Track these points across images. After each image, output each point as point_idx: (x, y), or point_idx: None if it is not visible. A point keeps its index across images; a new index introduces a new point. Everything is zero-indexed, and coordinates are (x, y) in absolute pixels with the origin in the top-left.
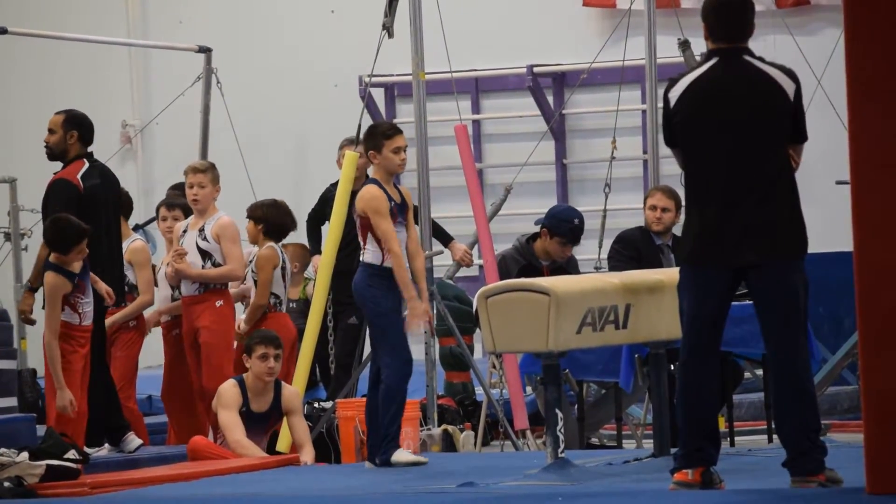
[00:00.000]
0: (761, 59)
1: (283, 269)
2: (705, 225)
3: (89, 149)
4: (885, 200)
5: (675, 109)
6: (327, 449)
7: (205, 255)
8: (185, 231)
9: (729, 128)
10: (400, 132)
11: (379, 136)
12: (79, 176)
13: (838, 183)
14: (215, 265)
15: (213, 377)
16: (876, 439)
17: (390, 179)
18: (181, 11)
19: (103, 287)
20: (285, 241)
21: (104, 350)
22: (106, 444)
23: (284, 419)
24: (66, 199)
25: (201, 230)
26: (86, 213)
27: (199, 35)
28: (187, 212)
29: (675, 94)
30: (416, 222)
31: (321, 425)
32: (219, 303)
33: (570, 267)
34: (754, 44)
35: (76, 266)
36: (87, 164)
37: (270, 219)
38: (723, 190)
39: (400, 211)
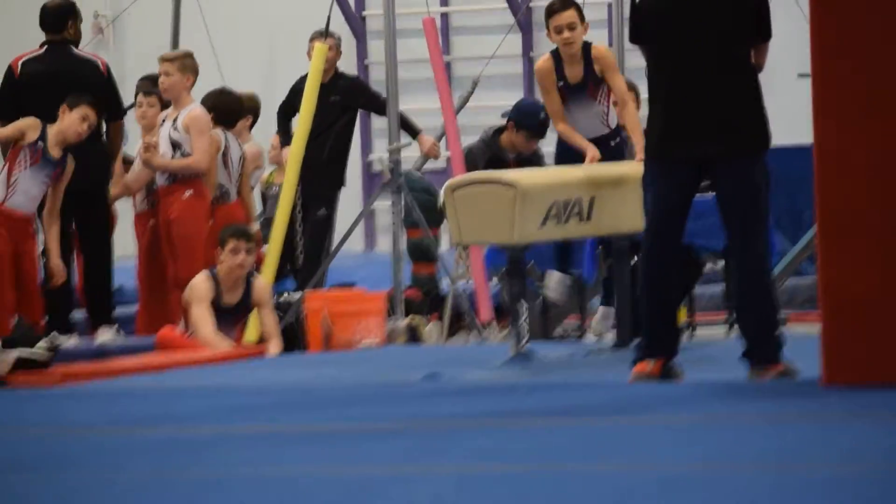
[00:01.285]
0: None
1: (226, 154)
2: (669, 119)
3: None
4: (844, 93)
5: (641, 4)
6: (295, 340)
7: (175, 145)
8: (164, 121)
9: (694, 24)
10: (557, 10)
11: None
12: (21, 61)
13: (800, 76)
14: (184, 156)
15: (187, 268)
16: (831, 331)
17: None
18: None
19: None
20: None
21: (105, 230)
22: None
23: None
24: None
25: (174, 120)
26: (21, 97)
27: None
28: (165, 101)
29: None
30: (382, 114)
31: (289, 317)
32: (187, 193)
33: (536, 160)
34: None
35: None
36: (41, 50)
37: (218, 106)
38: (686, 85)
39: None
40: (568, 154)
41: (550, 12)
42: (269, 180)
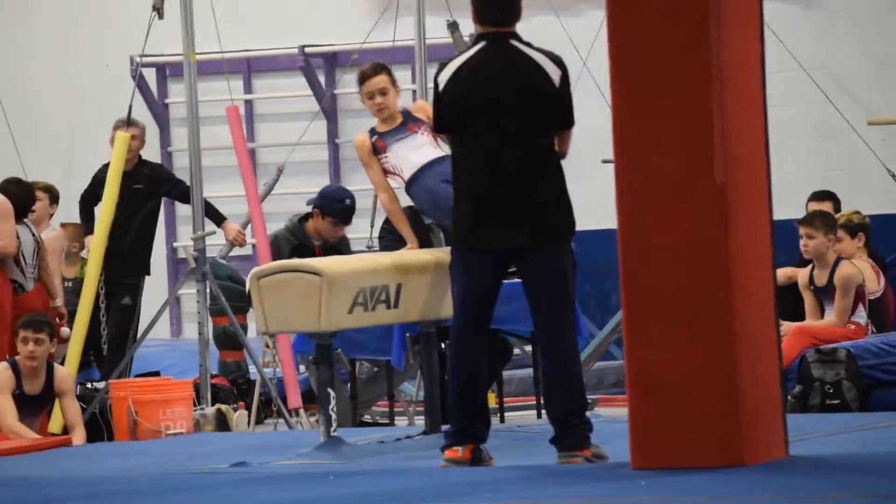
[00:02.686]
0: (528, 45)
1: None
2: (474, 208)
3: None
4: (646, 180)
5: (444, 93)
6: (100, 429)
7: None
8: None
9: (495, 112)
10: (369, 76)
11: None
12: None
13: (604, 161)
14: None
15: None
16: (639, 414)
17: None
18: None
19: None
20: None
21: None
22: None
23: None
24: None
25: None
26: None
27: None
28: None
29: (443, 79)
30: (187, 201)
31: (94, 406)
32: None
33: (342, 247)
34: (521, 24)
35: None
36: None
37: (11, 197)
38: (491, 174)
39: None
40: (393, 234)
41: (362, 79)
42: (79, 274)
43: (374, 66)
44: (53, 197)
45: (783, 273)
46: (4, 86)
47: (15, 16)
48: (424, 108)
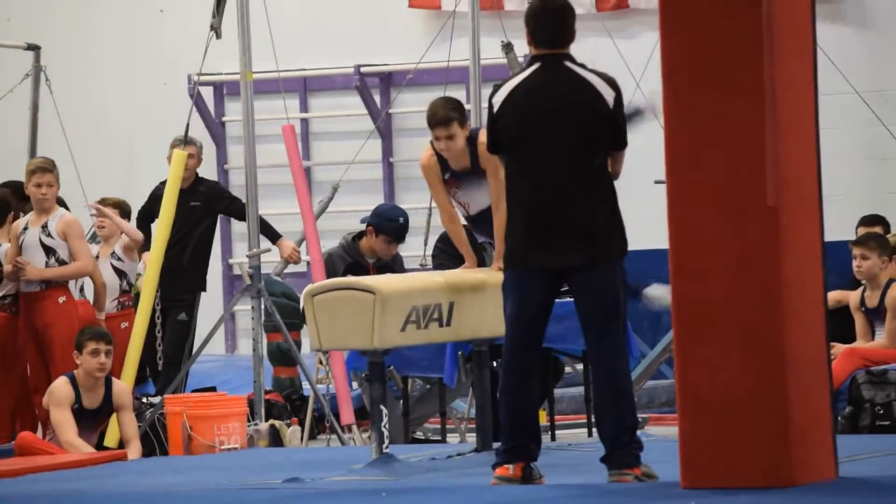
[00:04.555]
0: (583, 66)
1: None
2: (528, 228)
3: None
4: (697, 201)
5: (498, 114)
6: (155, 444)
7: (48, 251)
8: (25, 228)
9: (549, 133)
10: (435, 125)
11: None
12: None
13: (657, 182)
14: (59, 261)
15: (63, 372)
16: (689, 434)
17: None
18: (9, 9)
19: None
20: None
21: None
22: None
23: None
24: None
25: (44, 227)
26: None
27: (27, 33)
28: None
29: (498, 100)
30: (242, 218)
31: (149, 420)
32: (62, 299)
33: (395, 265)
34: (575, 46)
35: None
36: None
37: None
38: (544, 194)
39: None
40: (446, 253)
41: (430, 123)
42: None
43: (442, 115)
44: (124, 212)
45: (833, 296)
46: (64, 105)
47: (72, 36)
48: (491, 159)
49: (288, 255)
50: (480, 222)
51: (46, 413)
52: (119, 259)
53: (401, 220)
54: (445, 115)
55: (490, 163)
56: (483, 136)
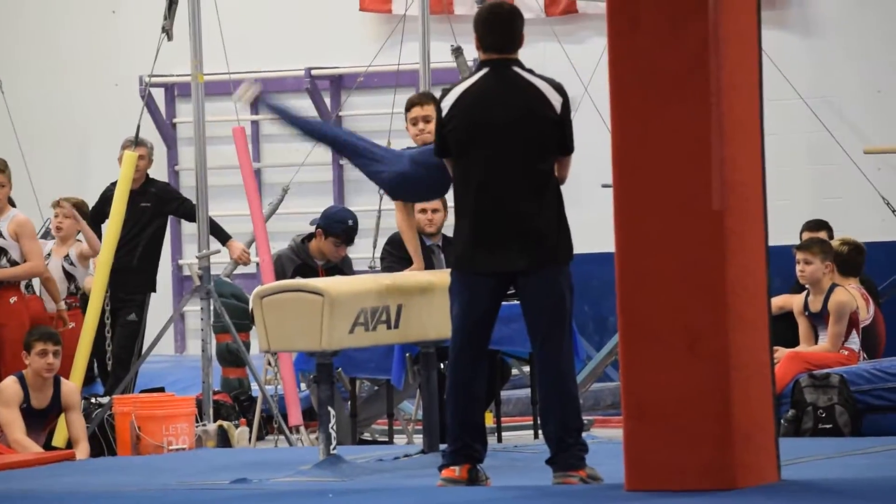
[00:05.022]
0: (531, 71)
1: None
2: (474, 231)
3: None
4: (643, 205)
5: (447, 118)
6: (103, 444)
7: (0, 251)
8: None
9: (496, 137)
10: (417, 102)
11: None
12: None
13: (604, 186)
14: (10, 261)
15: (14, 370)
16: (634, 437)
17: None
18: None
19: None
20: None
21: None
22: None
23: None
24: None
25: None
26: None
27: None
28: None
29: (446, 104)
30: (192, 220)
31: (97, 420)
32: (13, 299)
33: (344, 267)
34: (525, 50)
35: None
36: None
37: None
38: (491, 198)
39: None
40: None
41: (410, 105)
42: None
43: (422, 95)
44: (83, 213)
45: (777, 302)
46: (15, 105)
47: (25, 36)
48: None
49: (237, 256)
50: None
51: None
52: (72, 263)
53: (349, 222)
54: (425, 95)
55: None
56: None
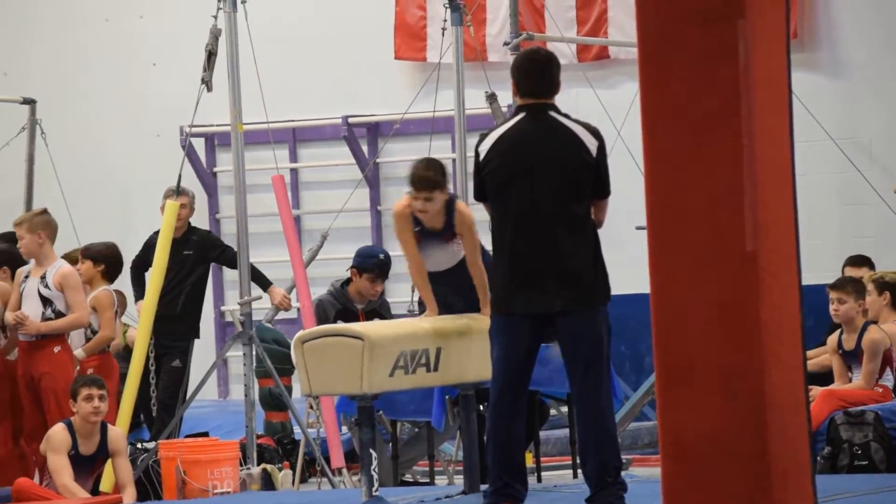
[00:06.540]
0: (566, 116)
1: (116, 311)
2: (512, 274)
3: None
4: (677, 246)
5: (484, 162)
6: (149, 489)
7: (46, 301)
8: (26, 277)
9: (533, 181)
10: (417, 189)
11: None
12: None
13: (638, 228)
14: (56, 312)
15: (57, 421)
16: (671, 476)
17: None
18: (5, 64)
19: None
20: (117, 287)
21: None
22: None
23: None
24: None
25: (42, 277)
26: None
27: (23, 87)
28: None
29: (484, 148)
30: (234, 266)
31: (143, 465)
32: (57, 349)
33: (383, 311)
34: (558, 96)
35: None
36: None
37: (110, 260)
38: (528, 242)
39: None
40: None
41: (412, 185)
42: (122, 341)
43: (424, 179)
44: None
45: (815, 362)
46: (58, 154)
47: (69, 88)
48: (467, 222)
49: (279, 302)
50: (431, 280)
51: (43, 459)
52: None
53: (381, 256)
54: (427, 180)
55: (465, 226)
56: (462, 205)
